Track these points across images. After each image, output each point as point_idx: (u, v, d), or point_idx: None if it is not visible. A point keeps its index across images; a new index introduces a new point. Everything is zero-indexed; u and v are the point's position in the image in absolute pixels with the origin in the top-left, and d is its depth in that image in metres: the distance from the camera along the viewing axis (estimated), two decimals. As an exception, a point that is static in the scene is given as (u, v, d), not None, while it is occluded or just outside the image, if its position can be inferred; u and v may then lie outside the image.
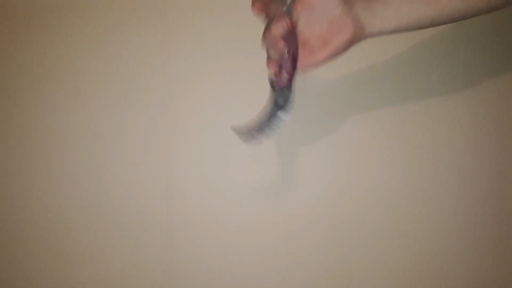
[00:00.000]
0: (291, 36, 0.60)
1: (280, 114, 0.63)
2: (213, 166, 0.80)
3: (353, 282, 0.80)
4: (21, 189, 0.80)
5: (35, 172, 0.80)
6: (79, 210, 0.80)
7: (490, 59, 0.79)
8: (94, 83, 0.80)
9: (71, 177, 0.80)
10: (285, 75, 0.61)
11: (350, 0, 0.57)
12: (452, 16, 0.57)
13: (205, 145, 0.80)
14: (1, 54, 0.80)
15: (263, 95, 0.79)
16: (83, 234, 0.80)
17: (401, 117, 0.79)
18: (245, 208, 0.80)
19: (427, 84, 0.76)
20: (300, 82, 0.78)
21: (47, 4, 0.80)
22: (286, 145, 0.79)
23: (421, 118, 0.79)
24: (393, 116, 0.79)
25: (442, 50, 0.78)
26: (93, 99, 0.80)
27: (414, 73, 0.79)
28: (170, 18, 0.79)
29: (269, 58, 0.61)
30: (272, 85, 0.62)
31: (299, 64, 0.61)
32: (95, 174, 0.80)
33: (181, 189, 0.80)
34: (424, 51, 0.76)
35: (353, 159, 0.79)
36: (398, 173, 0.79)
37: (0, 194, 0.80)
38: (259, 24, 0.79)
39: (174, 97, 0.80)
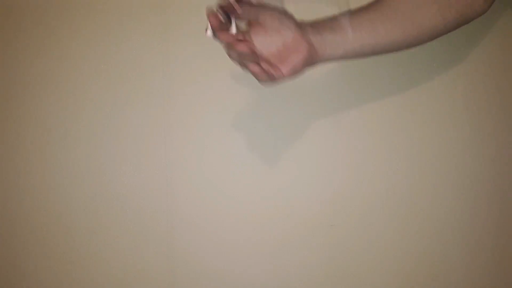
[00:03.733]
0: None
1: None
2: (213, 166, 0.80)
3: (353, 282, 0.80)
4: (21, 190, 0.80)
5: (35, 173, 0.80)
6: (79, 210, 0.80)
7: (490, 59, 0.79)
8: (93, 83, 0.80)
9: (71, 177, 0.80)
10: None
11: (302, 25, 0.63)
12: (392, 46, 0.64)
13: (205, 145, 0.80)
14: (0, 54, 0.80)
15: (263, 95, 0.79)
16: (84, 234, 0.80)
17: (401, 117, 0.79)
18: (245, 208, 0.80)
19: (427, 84, 0.76)
20: (299, 80, 0.78)
21: (47, 3, 0.79)
22: (286, 145, 0.79)
23: (421, 118, 0.79)
24: (393, 116, 0.78)
25: (443, 50, 0.78)
26: (92, 98, 0.80)
27: (414, 72, 0.79)
28: (170, 17, 0.79)
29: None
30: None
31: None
32: (95, 174, 0.80)
33: (181, 189, 0.80)
34: (425, 51, 0.75)
35: (353, 159, 0.79)
36: (398, 173, 0.79)
37: (0, 195, 0.81)
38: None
39: (174, 97, 0.79)
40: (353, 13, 0.64)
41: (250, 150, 0.79)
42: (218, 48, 0.79)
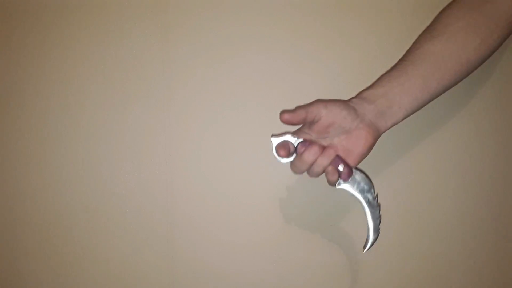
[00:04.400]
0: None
1: (369, 195, 0.67)
2: (213, 166, 0.80)
3: (352, 282, 0.80)
4: (21, 190, 0.80)
5: (35, 173, 0.80)
6: (79, 210, 0.80)
7: (490, 58, 0.79)
8: (93, 83, 0.80)
9: (71, 177, 0.80)
10: (344, 169, 0.64)
11: (359, 109, 0.61)
12: (445, 88, 0.65)
13: (205, 145, 0.80)
14: (0, 54, 0.80)
15: (264, 94, 0.79)
16: (84, 234, 0.80)
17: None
18: (245, 208, 0.80)
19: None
20: (301, 81, 0.78)
21: (47, 3, 0.79)
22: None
23: (421, 118, 0.79)
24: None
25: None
26: (92, 98, 0.80)
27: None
28: (170, 17, 0.79)
29: (327, 173, 0.64)
30: (343, 182, 0.66)
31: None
32: (95, 174, 0.80)
33: (181, 189, 0.80)
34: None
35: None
36: (398, 173, 0.79)
37: None
38: (260, 23, 0.79)
39: (174, 96, 0.80)
40: (401, 72, 0.62)
41: (250, 150, 0.79)
42: (218, 48, 0.80)
